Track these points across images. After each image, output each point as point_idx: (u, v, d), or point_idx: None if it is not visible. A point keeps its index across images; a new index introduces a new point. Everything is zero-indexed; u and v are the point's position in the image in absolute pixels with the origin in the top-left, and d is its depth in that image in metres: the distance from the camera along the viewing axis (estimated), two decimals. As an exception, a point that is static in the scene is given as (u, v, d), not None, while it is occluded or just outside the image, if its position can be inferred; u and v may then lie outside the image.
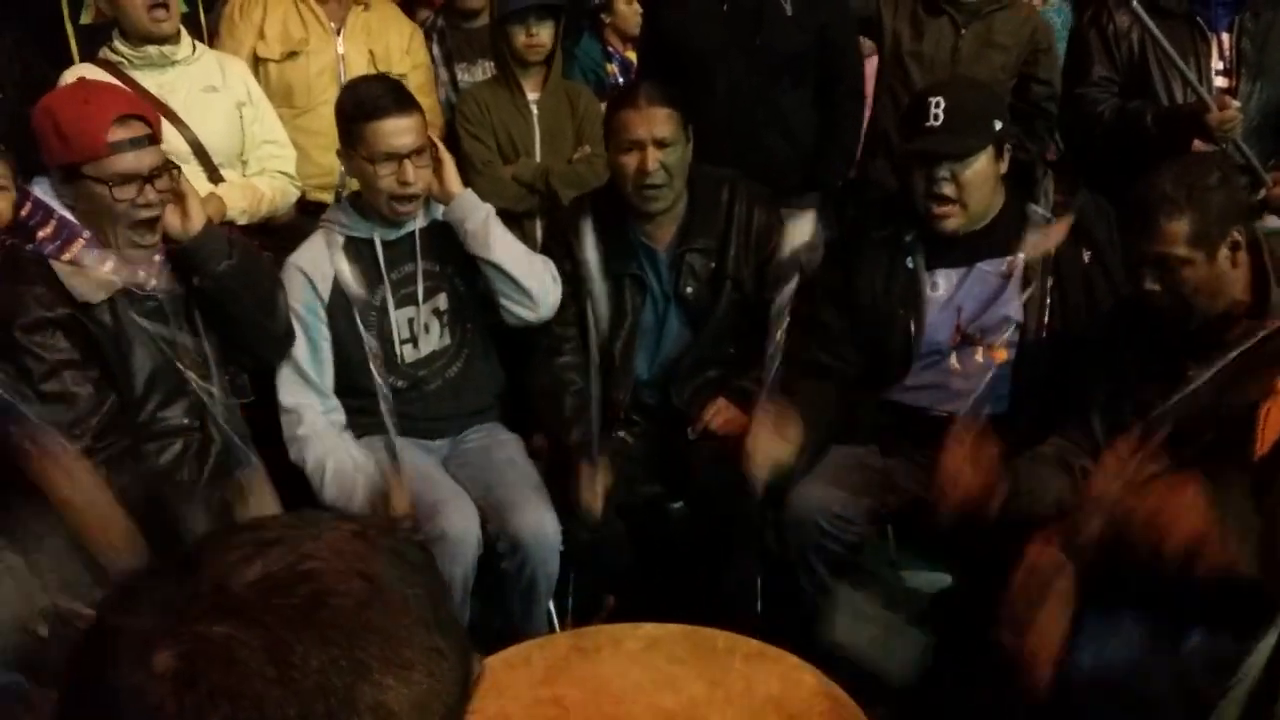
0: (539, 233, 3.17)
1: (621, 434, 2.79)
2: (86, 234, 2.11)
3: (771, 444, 2.41)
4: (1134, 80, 3.05)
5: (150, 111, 2.19)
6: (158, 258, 2.20)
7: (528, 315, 2.61)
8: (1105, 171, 2.91)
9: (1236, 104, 2.88)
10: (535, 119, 3.23)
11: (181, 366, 2.23)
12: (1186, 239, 2.00)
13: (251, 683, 0.60)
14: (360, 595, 0.65)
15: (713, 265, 2.71)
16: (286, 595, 0.63)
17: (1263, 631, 1.64)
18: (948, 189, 2.39)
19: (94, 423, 2.07)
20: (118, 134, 2.06)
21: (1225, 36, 3.00)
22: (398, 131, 2.41)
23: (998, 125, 2.43)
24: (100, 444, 2.07)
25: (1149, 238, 2.02)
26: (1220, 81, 2.95)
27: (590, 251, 2.67)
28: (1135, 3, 2.82)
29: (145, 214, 2.10)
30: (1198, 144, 2.89)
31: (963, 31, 3.23)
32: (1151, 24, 2.85)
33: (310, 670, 0.61)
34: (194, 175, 2.74)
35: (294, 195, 3.03)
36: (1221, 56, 3.00)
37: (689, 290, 2.70)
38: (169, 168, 2.15)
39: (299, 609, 0.63)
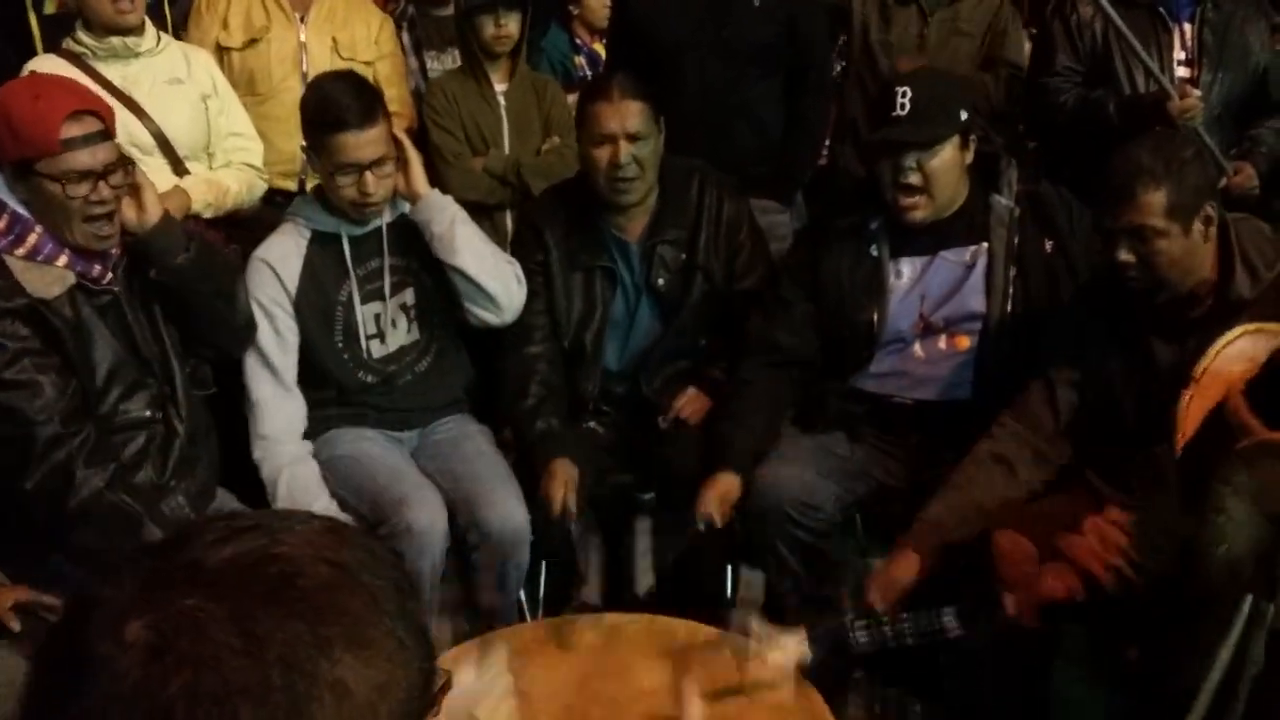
0: (510, 225, 3.17)
1: (591, 424, 2.79)
2: (40, 229, 2.08)
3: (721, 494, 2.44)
4: (1097, 70, 3.07)
5: (104, 106, 2.15)
6: (114, 251, 2.18)
7: (491, 318, 2.61)
8: (1068, 160, 2.94)
9: (1198, 92, 2.91)
10: (503, 110, 3.23)
11: (141, 359, 2.21)
12: (1163, 210, 2.03)
13: (216, 651, 0.62)
14: (328, 579, 0.67)
15: (683, 256, 2.71)
16: (256, 573, 0.66)
17: (1227, 625, 1.66)
18: (914, 178, 2.40)
19: (60, 408, 2.05)
20: (71, 130, 2.02)
21: (1187, 26, 3.03)
22: (359, 145, 2.38)
23: (963, 115, 2.44)
24: (68, 429, 2.05)
25: (1126, 208, 2.06)
26: (1182, 71, 2.98)
27: (559, 243, 2.67)
28: None
29: (100, 210, 2.07)
30: (1159, 132, 2.91)
31: (929, 19, 3.24)
32: (1114, 13, 2.87)
33: (274, 642, 0.63)
34: (158, 168, 2.74)
35: (261, 188, 3.00)
36: (1183, 46, 3.03)
37: (660, 282, 2.71)
38: (124, 163, 2.12)
39: (268, 586, 0.65)
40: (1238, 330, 1.75)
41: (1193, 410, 1.72)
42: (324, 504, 2.45)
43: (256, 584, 0.65)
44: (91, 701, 0.62)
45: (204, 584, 0.65)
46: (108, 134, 2.09)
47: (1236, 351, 1.73)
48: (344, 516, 2.39)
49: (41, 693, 0.65)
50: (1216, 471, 1.60)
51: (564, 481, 2.51)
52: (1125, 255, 2.08)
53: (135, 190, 2.18)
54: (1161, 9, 3.01)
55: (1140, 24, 2.98)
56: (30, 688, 0.66)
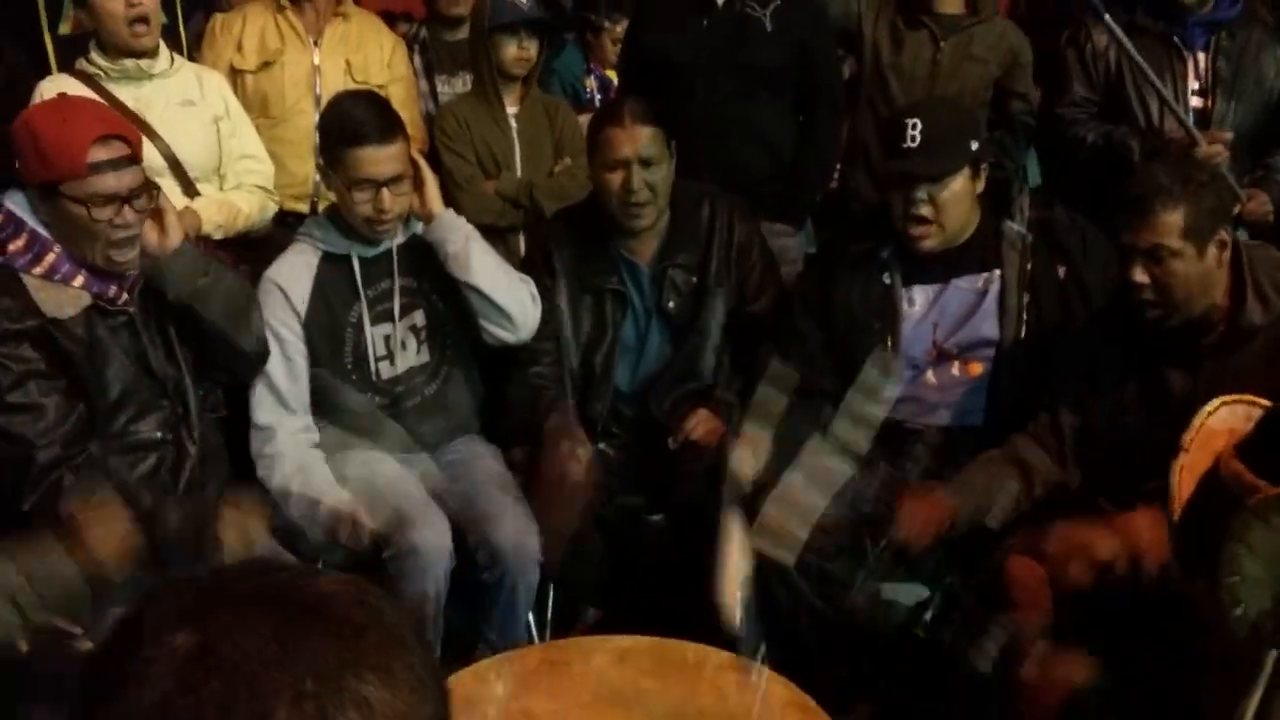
0: (523, 247, 3.17)
1: (601, 445, 2.79)
2: (58, 248, 2.09)
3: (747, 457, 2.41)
4: (1111, 100, 3.07)
5: (132, 131, 2.16)
6: (132, 273, 2.19)
7: (507, 336, 2.61)
8: (1083, 193, 2.92)
9: (1228, 135, 2.90)
10: (515, 133, 3.24)
11: (155, 380, 2.22)
12: (1180, 231, 2.05)
13: (254, 657, 0.65)
14: (356, 611, 0.70)
15: (694, 280, 2.72)
16: (292, 597, 0.70)
17: (1246, 688, 1.66)
18: (925, 210, 2.41)
19: (62, 432, 2.05)
20: (98, 154, 2.03)
21: (1201, 56, 3.02)
22: (377, 160, 2.39)
23: (974, 145, 2.45)
24: (68, 453, 2.06)
25: (1143, 227, 2.07)
26: (1196, 101, 2.97)
27: (568, 266, 2.68)
28: (1108, 18, 2.83)
29: (123, 234, 2.09)
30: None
31: (942, 45, 3.24)
32: (1128, 43, 2.87)
33: (308, 651, 0.66)
34: (169, 189, 2.73)
35: (272, 210, 3.02)
36: (1197, 76, 3.02)
37: (671, 305, 2.71)
38: (148, 187, 2.13)
39: (302, 607, 0.69)
40: (1217, 402, 1.77)
41: (1184, 479, 1.74)
42: (335, 497, 2.42)
43: (292, 605, 0.69)
44: (129, 705, 0.64)
45: (245, 601, 0.69)
46: (134, 159, 2.10)
47: (1219, 421, 1.75)
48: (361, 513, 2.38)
49: (86, 698, 0.68)
50: (1229, 532, 1.60)
51: (577, 444, 2.51)
52: (1140, 276, 2.09)
53: (158, 214, 2.19)
54: (1175, 38, 3.01)
55: (1154, 53, 2.96)
56: (77, 694, 0.68)
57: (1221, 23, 3.00)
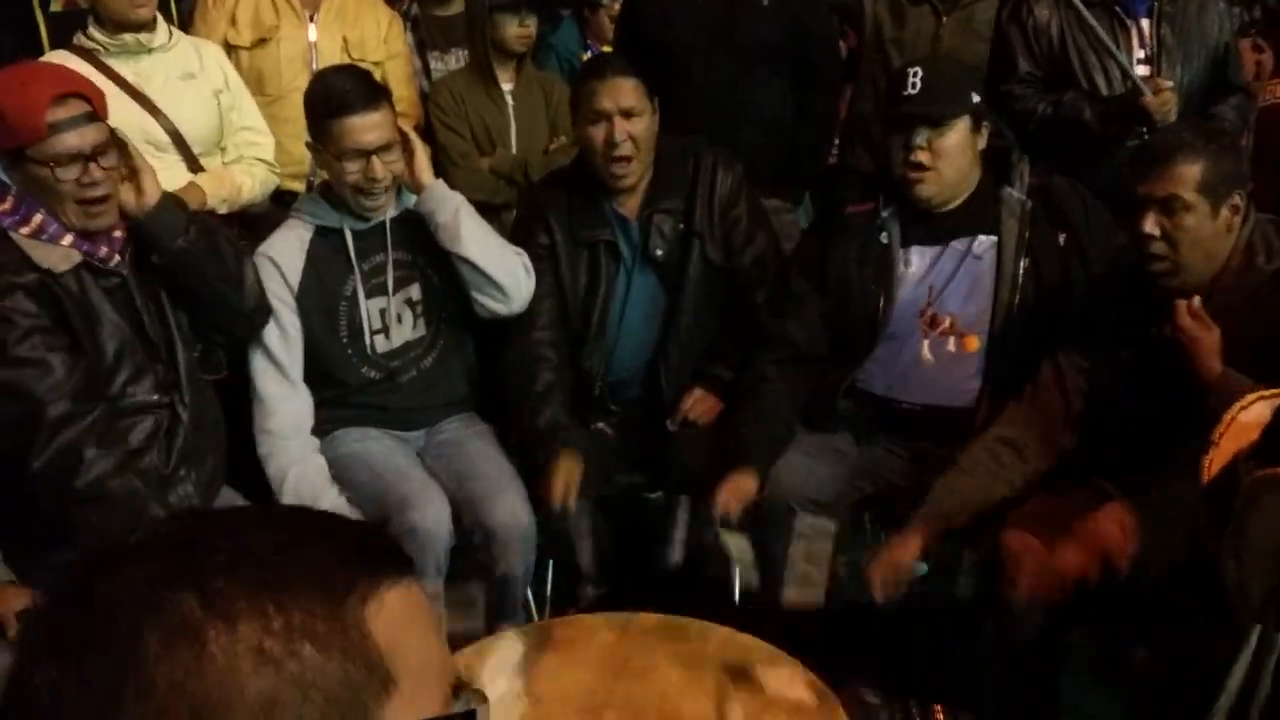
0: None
1: (600, 424, 2.78)
2: (44, 210, 2.08)
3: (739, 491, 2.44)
4: (1055, 73, 3.06)
5: (90, 88, 2.14)
6: (118, 234, 2.17)
7: (500, 308, 2.60)
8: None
9: (1169, 84, 2.90)
10: (510, 110, 3.22)
11: (148, 343, 2.20)
12: (1196, 184, 2.06)
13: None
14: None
15: (680, 226, 2.70)
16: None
17: (1237, 652, 1.67)
18: (924, 156, 2.40)
19: (70, 387, 2.04)
20: (56, 114, 2.01)
21: (1145, 22, 3.01)
22: (365, 128, 2.38)
23: (975, 98, 2.44)
24: (77, 408, 2.04)
25: (1161, 176, 2.08)
26: (1142, 69, 2.96)
27: (561, 222, 2.67)
28: None
29: (91, 193, 2.06)
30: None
31: (944, 20, 3.23)
32: (1085, 11, 2.86)
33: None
34: (173, 164, 2.73)
35: (274, 183, 2.99)
36: (1142, 44, 3.01)
37: (659, 252, 2.69)
38: (115, 144, 2.11)
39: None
40: (1253, 396, 1.79)
41: (1214, 471, 1.76)
42: (332, 499, 2.43)
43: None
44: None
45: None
46: (95, 115, 2.08)
47: (1253, 415, 1.77)
48: (353, 511, 2.39)
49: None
50: (1243, 489, 1.61)
51: (567, 476, 2.50)
52: (1151, 227, 2.09)
53: (133, 173, 2.17)
54: (1118, 7, 3.00)
55: (1098, 24, 2.97)
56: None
57: None
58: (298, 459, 2.48)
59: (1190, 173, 2.06)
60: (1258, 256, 2.12)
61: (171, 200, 2.26)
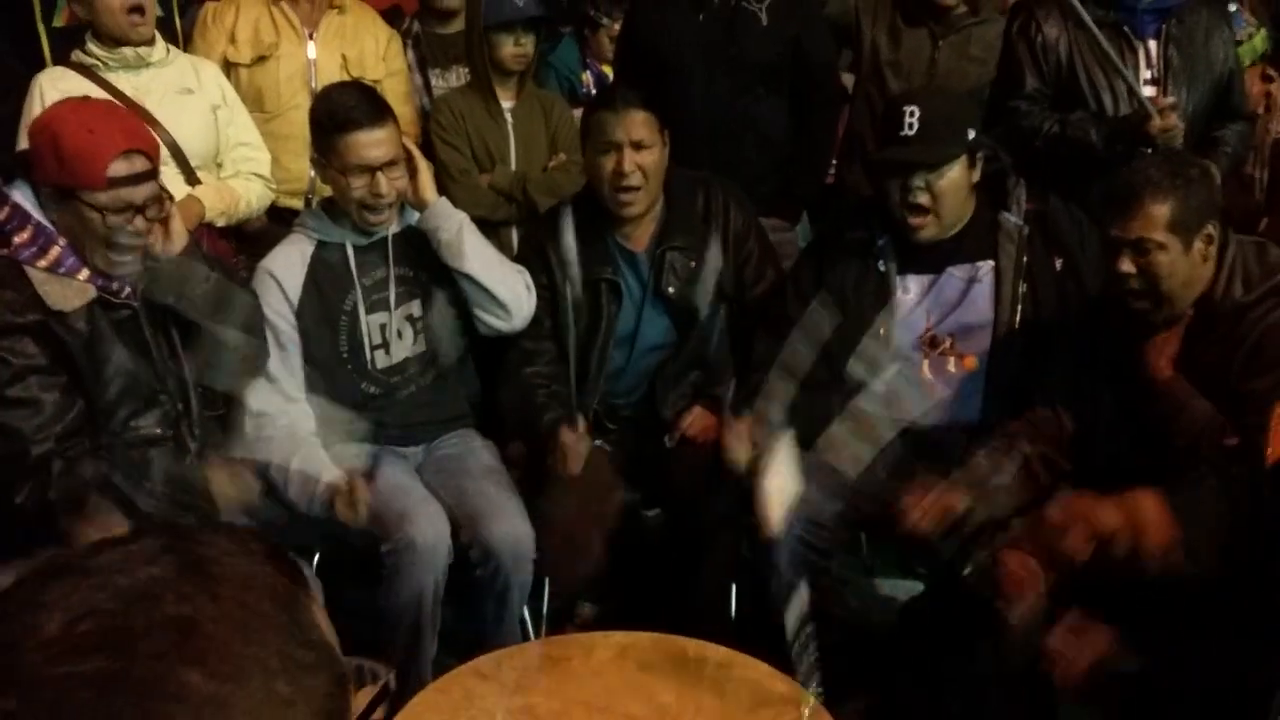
0: (515, 241, 3.17)
1: (598, 442, 2.79)
2: (63, 242, 2.09)
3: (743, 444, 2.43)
4: (1062, 91, 3.07)
5: (152, 144, 2.17)
6: (136, 269, 2.18)
7: (501, 325, 2.61)
8: (1043, 183, 2.93)
9: (1172, 99, 2.90)
10: (510, 127, 3.23)
11: (157, 376, 2.21)
12: (1166, 224, 2.06)
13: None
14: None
15: (693, 264, 2.71)
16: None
17: None
18: (922, 198, 2.41)
19: (57, 429, 2.05)
20: (119, 168, 2.03)
21: (1153, 44, 3.02)
22: (370, 144, 2.40)
23: (971, 134, 2.45)
24: (62, 447, 2.05)
25: (1130, 219, 2.08)
26: (1149, 90, 2.96)
27: (570, 254, 2.67)
28: (1078, 4, 2.83)
29: (130, 240, 2.09)
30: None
31: (940, 43, 3.25)
32: (1096, 29, 2.87)
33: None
34: (171, 177, 2.73)
35: (270, 197, 3.00)
36: (1149, 65, 3.02)
37: (671, 290, 2.70)
38: (161, 197, 2.14)
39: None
40: None
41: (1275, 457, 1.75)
42: (333, 474, 2.41)
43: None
44: None
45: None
46: (154, 172, 2.11)
47: None
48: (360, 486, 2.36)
49: None
50: None
51: (575, 445, 2.54)
52: (1126, 266, 2.10)
53: (164, 219, 2.19)
54: (1126, 28, 3.01)
55: (1107, 43, 2.99)
56: None
57: (1171, 9, 3.00)
58: (297, 450, 2.44)
59: (1159, 213, 2.05)
60: (1235, 285, 2.12)
61: (195, 247, 2.29)
